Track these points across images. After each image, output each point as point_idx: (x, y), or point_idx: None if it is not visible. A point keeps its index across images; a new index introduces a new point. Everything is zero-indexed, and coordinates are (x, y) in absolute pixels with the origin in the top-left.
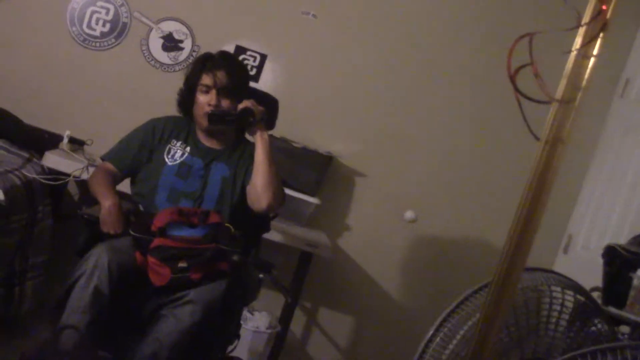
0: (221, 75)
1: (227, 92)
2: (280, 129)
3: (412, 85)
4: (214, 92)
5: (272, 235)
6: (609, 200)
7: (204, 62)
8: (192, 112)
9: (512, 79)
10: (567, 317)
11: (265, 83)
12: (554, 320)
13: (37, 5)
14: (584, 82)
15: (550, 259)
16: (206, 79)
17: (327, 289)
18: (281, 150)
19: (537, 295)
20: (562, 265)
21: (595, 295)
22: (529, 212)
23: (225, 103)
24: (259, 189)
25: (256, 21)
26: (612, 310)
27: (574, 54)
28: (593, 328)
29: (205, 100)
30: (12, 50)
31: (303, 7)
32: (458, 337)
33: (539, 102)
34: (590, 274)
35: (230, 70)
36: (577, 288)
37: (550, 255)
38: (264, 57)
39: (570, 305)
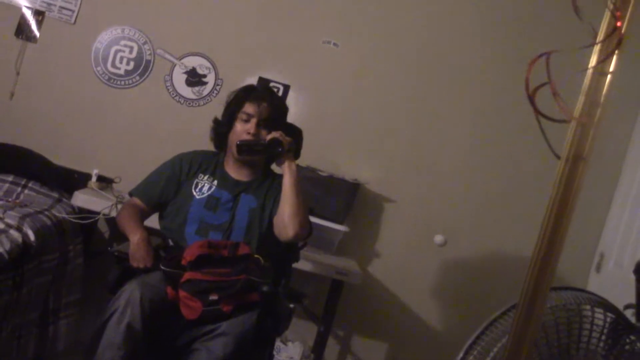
0: (264, 106)
1: (266, 124)
2: (307, 158)
3: (436, 110)
4: (254, 121)
5: (302, 265)
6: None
7: (249, 92)
8: (225, 142)
9: (531, 98)
10: (597, 335)
11: (289, 113)
12: (585, 339)
13: (63, 46)
14: (602, 99)
15: (583, 279)
16: (249, 108)
17: (359, 316)
18: (308, 179)
19: (567, 314)
20: (595, 284)
21: (630, 312)
22: (553, 231)
23: (263, 134)
24: (285, 218)
25: (278, 52)
26: None
27: (590, 71)
28: (627, 346)
29: (244, 129)
30: (40, 91)
31: (324, 37)
32: (488, 359)
33: (558, 121)
34: (624, 291)
35: (273, 103)
36: (608, 306)
37: (583, 274)
38: (287, 88)
39: (600, 323)
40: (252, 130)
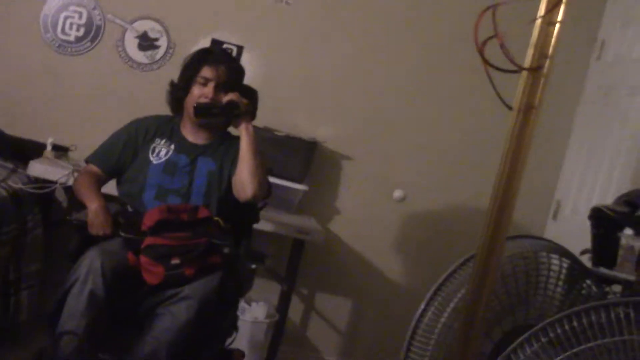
0: (222, 69)
1: (224, 87)
2: (263, 119)
3: (389, 65)
4: (212, 85)
5: (263, 225)
6: (594, 163)
7: (206, 56)
8: (182, 106)
9: (481, 51)
10: (554, 281)
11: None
12: (542, 285)
13: (10, 14)
14: (551, 49)
15: (540, 227)
16: (207, 72)
17: (322, 273)
18: (265, 140)
19: (525, 262)
20: (553, 231)
21: (586, 258)
22: (507, 181)
23: (220, 97)
24: (244, 179)
25: (230, 13)
26: (603, 270)
27: (539, 21)
28: (583, 291)
29: (202, 93)
30: None
31: None
32: (449, 309)
33: (507, 71)
34: (581, 237)
35: (231, 66)
36: (564, 252)
37: (540, 222)
38: (240, 49)
39: (556, 269)
40: (210, 94)
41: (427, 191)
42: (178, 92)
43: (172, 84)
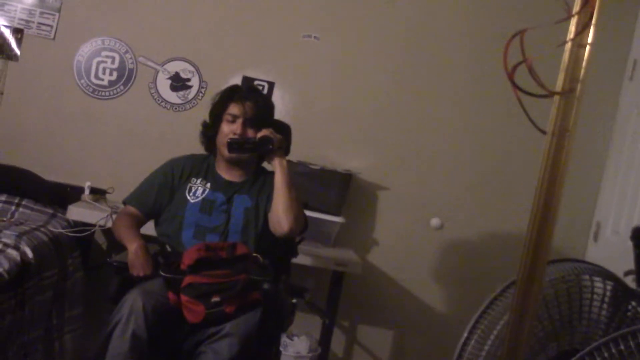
0: (249, 106)
1: (252, 123)
2: (297, 153)
3: (421, 94)
4: (240, 121)
5: (301, 259)
6: (633, 183)
7: (232, 93)
8: (215, 144)
9: (510, 77)
10: (598, 304)
11: (276, 109)
12: (586, 309)
13: (45, 62)
14: (583, 72)
15: (581, 249)
16: (234, 109)
17: (362, 305)
18: (300, 174)
19: (567, 286)
20: (594, 253)
21: (630, 279)
22: (545, 206)
23: (250, 133)
24: (280, 213)
25: (260, 50)
26: None
27: (569, 44)
28: (629, 313)
29: (230, 130)
30: (25, 109)
31: (304, 31)
32: (492, 337)
33: (538, 96)
34: (623, 258)
35: (258, 101)
36: (606, 274)
37: (581, 245)
38: (271, 85)
39: (600, 292)
40: (238, 131)
41: (464, 218)
42: (209, 131)
43: (204, 124)
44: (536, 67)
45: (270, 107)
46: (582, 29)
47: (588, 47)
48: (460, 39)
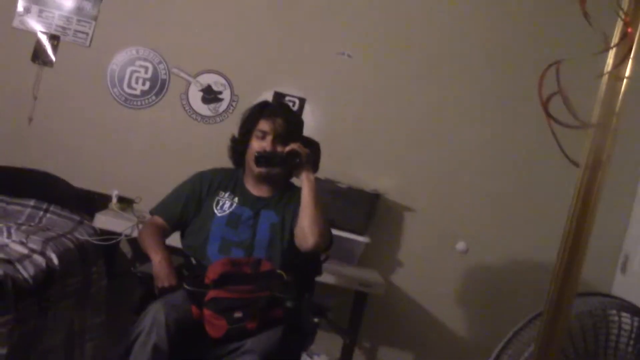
0: (279, 122)
1: (282, 140)
2: (325, 171)
3: (453, 117)
4: (270, 138)
5: (325, 278)
6: None
7: (262, 109)
8: (244, 159)
9: (545, 107)
10: (626, 340)
11: (306, 126)
12: (612, 344)
13: (79, 69)
14: (619, 105)
15: (608, 281)
16: (264, 125)
17: (384, 326)
18: (327, 192)
19: (593, 321)
20: (621, 286)
21: None
22: (575, 239)
23: (280, 149)
24: (305, 228)
25: (292, 66)
26: None
27: (605, 77)
28: None
29: (260, 146)
30: (58, 115)
31: (337, 48)
32: None
33: (573, 127)
34: None
35: (288, 118)
36: (635, 310)
37: (608, 276)
38: (303, 101)
39: (628, 327)
40: (268, 147)
41: (490, 244)
42: (238, 147)
43: (233, 138)
44: (571, 97)
45: (300, 124)
46: (620, 62)
47: (625, 80)
48: (494, 64)
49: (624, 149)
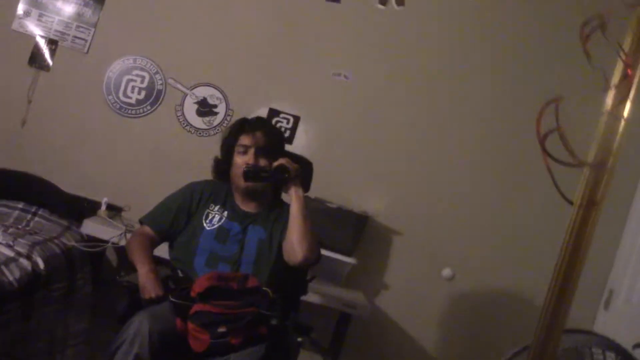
0: (259, 135)
1: (264, 152)
2: (315, 190)
3: (446, 144)
4: (252, 151)
5: (310, 297)
6: None
7: (242, 124)
8: (229, 177)
9: (541, 143)
10: None
11: (298, 144)
12: None
13: (76, 75)
14: (616, 145)
15: (590, 316)
16: (245, 140)
17: (366, 348)
18: (317, 211)
19: (578, 357)
20: (604, 321)
21: (639, 352)
22: (566, 276)
23: (262, 162)
24: (294, 243)
25: (288, 84)
26: None
27: (604, 117)
28: None
29: (243, 161)
30: (51, 119)
31: (335, 69)
32: None
33: (568, 165)
34: (633, 328)
35: (268, 131)
36: (618, 349)
37: (591, 310)
38: (297, 119)
39: None
40: (251, 161)
41: (477, 273)
42: (222, 166)
43: (216, 159)
44: (568, 134)
45: (280, 136)
46: (619, 102)
47: (623, 121)
48: (492, 95)
49: (615, 184)
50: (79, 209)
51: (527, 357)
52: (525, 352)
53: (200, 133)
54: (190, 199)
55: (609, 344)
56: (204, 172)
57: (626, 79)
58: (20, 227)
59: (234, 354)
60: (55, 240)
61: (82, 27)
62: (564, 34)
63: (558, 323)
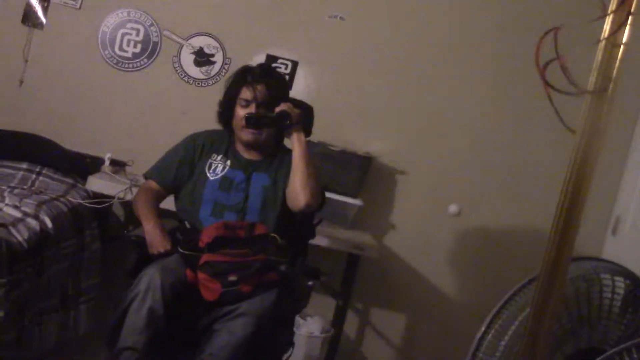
0: (261, 88)
1: (266, 106)
2: (318, 134)
3: (447, 81)
4: (253, 106)
5: (318, 241)
6: None
7: (244, 76)
8: (232, 125)
9: (542, 74)
10: (619, 304)
11: (298, 89)
12: (605, 308)
13: (70, 31)
14: (615, 72)
15: (598, 243)
16: (246, 93)
17: (377, 288)
18: (320, 155)
19: (587, 285)
20: (612, 247)
21: None
22: (570, 205)
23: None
24: (297, 188)
25: (285, 29)
26: None
27: (602, 43)
28: None
29: (244, 114)
30: (49, 77)
31: (329, 11)
32: (510, 332)
33: (569, 94)
34: None
35: (270, 83)
36: (627, 274)
37: (599, 238)
38: (295, 64)
39: (621, 292)
40: None
41: (482, 206)
42: (225, 112)
43: (220, 104)
44: (568, 64)
45: (283, 86)
46: (617, 28)
47: (622, 47)
48: (491, 29)
49: (615, 111)
50: (82, 166)
51: (535, 288)
52: (533, 282)
53: (198, 83)
54: (193, 150)
55: (618, 270)
56: (205, 123)
57: (624, 4)
58: (25, 187)
59: (246, 301)
60: (62, 199)
61: None
62: None
63: (565, 251)
